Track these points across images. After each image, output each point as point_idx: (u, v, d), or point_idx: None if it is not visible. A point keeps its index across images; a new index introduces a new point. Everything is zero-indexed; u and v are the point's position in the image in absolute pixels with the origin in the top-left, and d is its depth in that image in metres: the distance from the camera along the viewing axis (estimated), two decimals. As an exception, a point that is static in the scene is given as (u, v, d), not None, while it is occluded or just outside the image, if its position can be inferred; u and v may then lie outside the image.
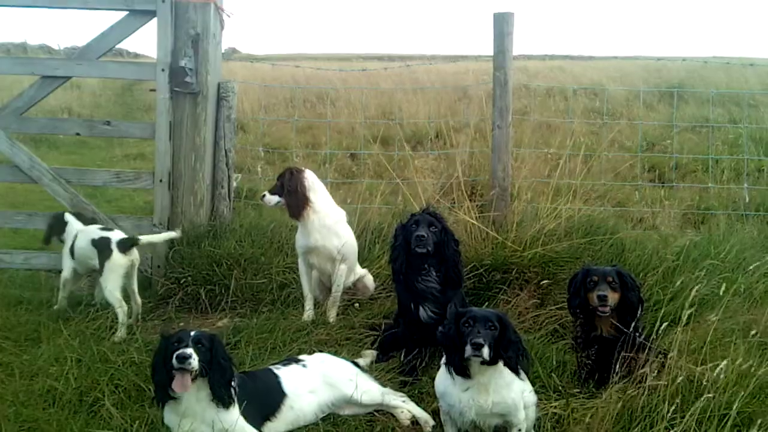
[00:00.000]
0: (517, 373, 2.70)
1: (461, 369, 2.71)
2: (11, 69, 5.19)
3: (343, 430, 3.11)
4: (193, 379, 2.78)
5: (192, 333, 2.85)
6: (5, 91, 8.70)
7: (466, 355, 2.64)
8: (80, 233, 4.33)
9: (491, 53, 5.14)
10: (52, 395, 3.21)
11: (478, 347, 2.60)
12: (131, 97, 15.24)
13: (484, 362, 2.66)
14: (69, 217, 4.49)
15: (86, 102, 13.09)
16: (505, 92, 5.05)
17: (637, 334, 3.22)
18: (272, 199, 4.27)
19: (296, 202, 4.19)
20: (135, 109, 13.37)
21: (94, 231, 4.31)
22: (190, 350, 2.75)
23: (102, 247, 4.18)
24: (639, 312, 3.25)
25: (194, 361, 2.74)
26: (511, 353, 2.69)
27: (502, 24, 5.03)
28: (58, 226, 4.47)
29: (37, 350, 3.67)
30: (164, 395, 2.82)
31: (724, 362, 2.87)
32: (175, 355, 2.73)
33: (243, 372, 3.19)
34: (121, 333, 4.01)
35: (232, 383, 2.89)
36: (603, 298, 3.18)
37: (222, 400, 2.82)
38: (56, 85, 4.99)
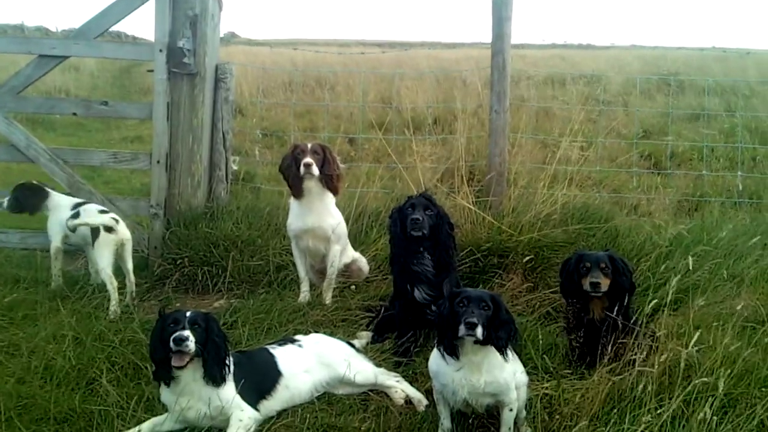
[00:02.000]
0: (503, 354, 2.73)
1: (452, 349, 2.74)
2: (7, 48, 5.16)
3: (338, 408, 3.15)
4: (190, 359, 2.82)
5: (188, 314, 2.88)
6: (2, 72, 8.64)
7: (460, 334, 2.67)
8: (83, 211, 4.35)
9: (487, 40, 5.15)
10: (50, 372, 3.23)
11: (471, 327, 2.63)
12: (129, 79, 15.16)
13: (477, 342, 2.69)
14: (49, 189, 4.50)
15: (84, 84, 13.03)
16: (503, 77, 5.07)
17: (628, 317, 3.27)
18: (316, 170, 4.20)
19: (337, 177, 4.24)
20: (132, 92, 13.31)
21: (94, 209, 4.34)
22: (187, 332, 2.78)
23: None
24: (630, 296, 3.30)
25: (191, 343, 2.77)
26: (502, 333, 2.72)
27: (500, 8, 5.04)
28: (34, 198, 4.45)
29: (34, 328, 3.70)
30: (165, 374, 2.86)
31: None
32: (172, 338, 2.77)
33: (239, 351, 3.23)
34: (113, 309, 4.03)
35: (226, 362, 2.92)
36: (596, 285, 3.22)
37: (214, 378, 2.85)
38: (53, 64, 4.96)
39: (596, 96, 8.27)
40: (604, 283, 3.23)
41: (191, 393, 2.85)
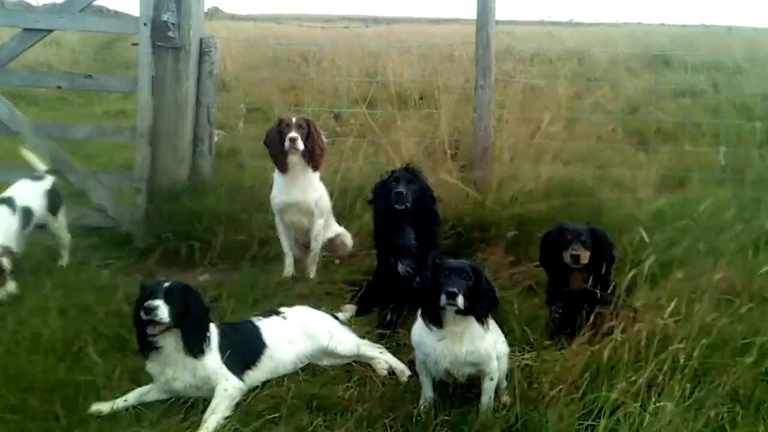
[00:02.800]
0: (483, 324, 2.77)
1: (435, 318, 2.78)
2: (-7, 21, 5.09)
3: (321, 379, 3.20)
4: (167, 329, 2.83)
5: (165, 285, 2.87)
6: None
7: (441, 303, 2.70)
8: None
9: (472, 17, 5.14)
10: (36, 343, 3.25)
11: (452, 296, 2.67)
12: (110, 54, 14.94)
13: (458, 311, 2.73)
14: None
15: (65, 58, 12.84)
16: (488, 52, 5.07)
17: (607, 289, 3.33)
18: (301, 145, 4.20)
19: (321, 152, 4.25)
20: (114, 66, 13.10)
21: None
22: (157, 302, 2.77)
23: None
24: (609, 268, 3.35)
25: (161, 313, 2.77)
26: (483, 303, 2.76)
27: (485, -19, 5.01)
28: None
29: (20, 301, 3.71)
30: (145, 345, 2.88)
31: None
32: (142, 307, 2.77)
33: (225, 323, 3.25)
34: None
35: (206, 333, 2.93)
36: (576, 258, 3.26)
37: (192, 350, 2.87)
38: (37, 38, 4.89)
39: (582, 72, 8.28)
40: (584, 256, 3.27)
41: (175, 363, 2.88)
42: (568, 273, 3.36)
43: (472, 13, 5.21)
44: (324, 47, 9.74)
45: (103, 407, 2.84)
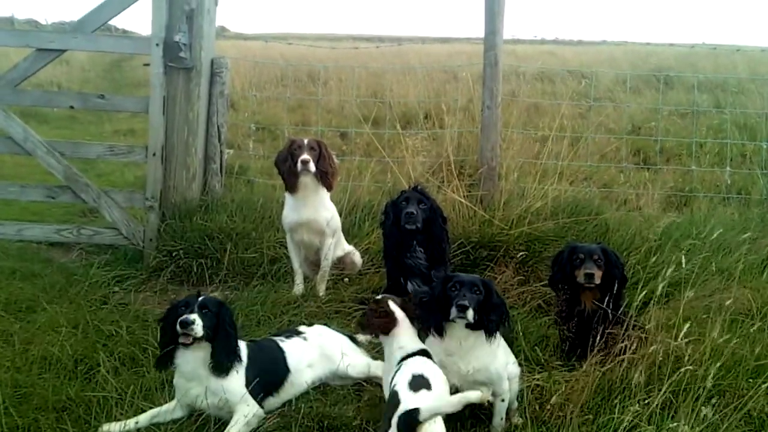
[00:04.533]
0: (491, 336, 2.77)
1: (439, 330, 2.79)
2: (5, 41, 5.15)
3: (332, 398, 3.20)
4: (197, 340, 2.85)
5: (200, 298, 2.93)
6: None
7: (451, 316, 2.72)
8: None
9: (482, 35, 5.20)
10: (47, 362, 3.26)
11: (463, 309, 2.68)
12: (119, 73, 15.12)
13: (468, 325, 2.75)
14: None
15: (75, 77, 12.97)
16: (496, 72, 5.12)
17: (618, 309, 3.33)
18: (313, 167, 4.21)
19: (333, 173, 4.28)
20: (123, 85, 13.26)
21: None
22: (193, 316, 2.82)
23: None
24: (621, 288, 3.37)
25: (197, 327, 2.81)
26: (494, 317, 2.77)
27: (493, 3, 5.08)
28: None
29: (32, 318, 3.72)
30: (165, 360, 2.91)
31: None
32: (178, 321, 2.80)
33: (252, 341, 3.24)
34: None
35: (236, 351, 2.95)
36: (589, 276, 3.27)
37: (220, 367, 2.87)
38: (51, 58, 4.94)
39: (586, 92, 8.33)
40: (598, 275, 3.29)
41: (200, 380, 2.88)
42: (579, 293, 3.38)
43: (478, 33, 5.28)
44: (331, 67, 9.84)
45: (113, 428, 2.84)
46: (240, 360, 2.96)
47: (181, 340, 2.84)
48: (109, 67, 15.59)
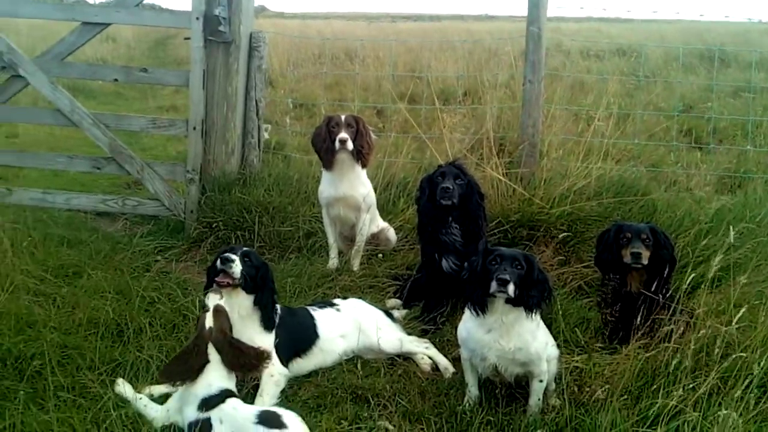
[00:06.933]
0: (531, 312, 2.71)
1: (481, 305, 2.73)
2: (52, 15, 5.22)
3: (365, 370, 3.20)
4: (234, 286, 2.91)
5: (244, 248, 3.02)
6: (41, 41, 8.79)
7: (491, 290, 2.64)
8: None
9: (523, 13, 5.04)
10: (92, 324, 3.35)
11: (503, 283, 2.61)
12: (163, 50, 15.35)
13: (509, 300, 2.68)
14: None
15: (121, 54, 13.20)
16: (539, 47, 4.96)
17: (666, 292, 3.21)
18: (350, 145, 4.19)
19: (369, 148, 4.26)
20: (167, 62, 13.46)
21: None
22: (234, 256, 2.89)
23: None
24: (671, 271, 3.23)
25: (236, 267, 2.88)
26: (534, 292, 2.69)
27: (537, -24, 4.91)
28: None
29: (78, 283, 3.82)
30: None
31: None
32: (219, 257, 2.88)
33: (285, 306, 3.31)
34: None
35: (276, 309, 3.04)
36: (636, 255, 3.15)
37: (268, 320, 2.99)
38: (96, 31, 5.01)
39: (634, 69, 8.06)
40: (645, 255, 3.17)
41: (235, 331, 2.91)
42: (625, 274, 3.26)
43: (520, 10, 5.13)
44: (367, 43, 9.74)
45: (154, 390, 2.90)
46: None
47: (218, 278, 2.89)
48: (153, 44, 15.84)
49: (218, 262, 2.89)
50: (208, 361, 2.67)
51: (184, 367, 2.63)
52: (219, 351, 2.70)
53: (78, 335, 3.26)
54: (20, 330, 3.20)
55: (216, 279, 2.92)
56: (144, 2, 5.03)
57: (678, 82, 8.14)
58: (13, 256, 3.87)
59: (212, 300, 2.83)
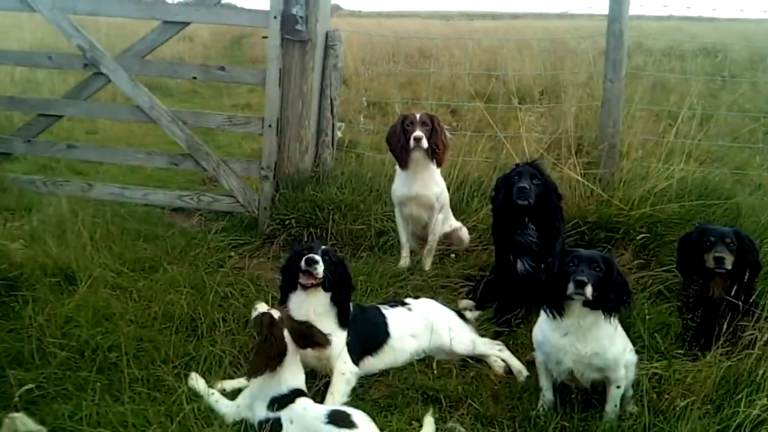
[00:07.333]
0: (609, 315, 2.63)
1: (558, 308, 2.68)
2: (134, 14, 5.40)
3: (437, 371, 3.19)
4: (315, 285, 2.96)
5: (323, 246, 3.07)
6: (122, 40, 9.18)
7: (568, 292, 2.60)
8: None
9: (604, 11, 4.90)
10: (167, 319, 3.44)
11: (581, 285, 2.56)
12: (239, 50, 15.73)
13: (586, 303, 2.62)
14: None
15: (197, 53, 13.59)
16: (620, 45, 4.81)
17: (750, 299, 3.09)
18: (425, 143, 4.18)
19: (444, 148, 4.25)
20: (243, 61, 13.76)
21: None
22: (318, 257, 2.94)
23: None
24: (755, 276, 3.10)
25: (320, 267, 2.93)
26: (613, 295, 2.62)
27: (620, -28, 4.76)
28: None
29: (154, 277, 3.92)
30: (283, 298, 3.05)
31: None
32: (303, 258, 2.92)
33: (357, 304, 3.32)
34: None
35: (350, 308, 3.07)
36: (720, 260, 3.05)
37: (343, 317, 3.02)
38: (176, 30, 5.17)
39: (718, 69, 7.71)
40: (729, 260, 3.05)
41: None
42: (708, 279, 3.15)
43: (600, 8, 4.98)
44: (443, 42, 9.68)
45: (226, 385, 2.95)
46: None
47: (302, 280, 2.95)
48: (229, 44, 16.25)
49: (303, 263, 2.92)
50: (286, 347, 2.70)
51: (265, 357, 2.66)
52: (291, 331, 2.73)
53: (153, 329, 3.33)
54: (97, 322, 3.26)
55: (300, 281, 2.97)
56: (222, 1, 5.16)
57: (764, 83, 7.74)
58: (92, 249, 3.98)
59: (261, 309, 2.86)
